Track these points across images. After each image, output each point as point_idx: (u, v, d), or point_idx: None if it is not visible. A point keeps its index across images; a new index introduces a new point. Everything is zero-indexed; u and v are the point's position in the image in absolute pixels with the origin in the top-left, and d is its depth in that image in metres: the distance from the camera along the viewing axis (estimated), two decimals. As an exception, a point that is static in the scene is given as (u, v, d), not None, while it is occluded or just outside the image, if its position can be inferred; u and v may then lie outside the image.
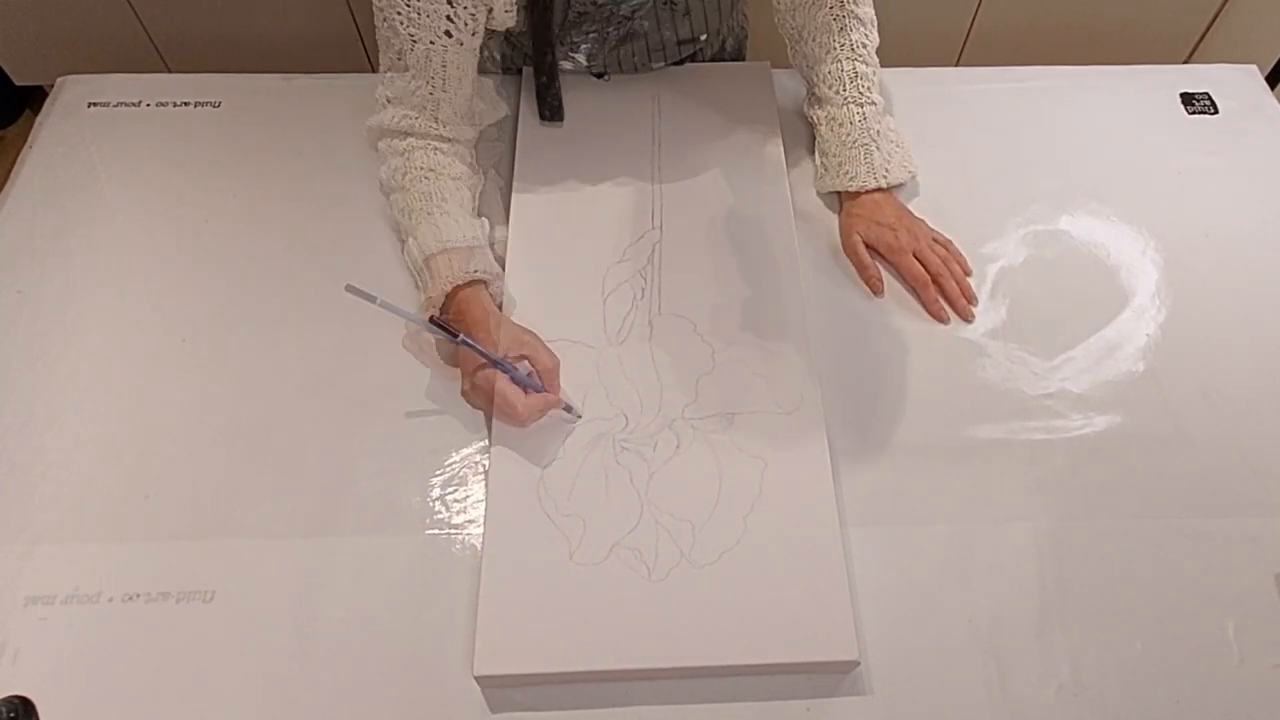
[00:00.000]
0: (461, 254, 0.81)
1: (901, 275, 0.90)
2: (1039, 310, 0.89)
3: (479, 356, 0.75)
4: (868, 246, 0.91)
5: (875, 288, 0.90)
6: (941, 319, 0.88)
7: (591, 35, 0.93)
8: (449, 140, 0.88)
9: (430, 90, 0.85)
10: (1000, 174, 1.00)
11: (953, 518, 0.76)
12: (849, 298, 0.90)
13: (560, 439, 0.77)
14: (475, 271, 0.80)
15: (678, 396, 0.80)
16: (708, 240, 0.90)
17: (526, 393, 0.75)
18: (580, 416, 0.79)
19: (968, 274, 0.91)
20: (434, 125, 0.86)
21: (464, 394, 0.77)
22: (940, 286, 0.88)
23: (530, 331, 0.79)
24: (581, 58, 0.95)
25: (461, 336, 0.75)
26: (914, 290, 0.89)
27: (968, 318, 0.88)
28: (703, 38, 0.96)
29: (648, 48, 0.95)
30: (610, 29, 0.92)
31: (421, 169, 0.86)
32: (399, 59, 0.83)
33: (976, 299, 0.90)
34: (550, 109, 0.97)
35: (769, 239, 0.91)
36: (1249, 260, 0.93)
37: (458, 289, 0.80)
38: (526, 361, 0.77)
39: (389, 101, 0.87)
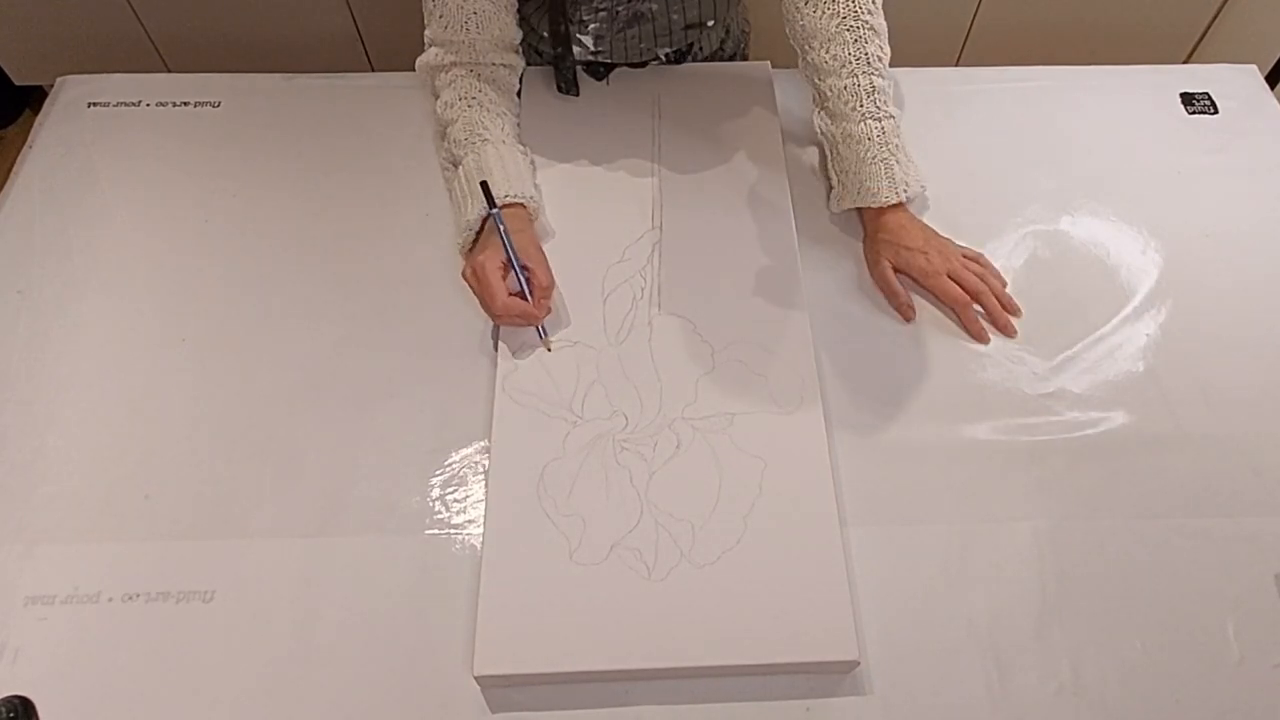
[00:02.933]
0: (498, 181, 0.85)
1: (939, 299, 0.88)
2: (1039, 310, 0.89)
3: (483, 242, 0.82)
4: (897, 272, 0.89)
5: (907, 315, 0.87)
6: (983, 339, 0.86)
7: (601, 14, 0.93)
8: (492, 65, 0.92)
9: (465, 34, 0.89)
10: (1000, 174, 1.00)
11: (953, 518, 0.76)
12: (849, 298, 0.90)
13: (560, 439, 0.77)
14: (510, 195, 0.85)
15: (678, 396, 0.80)
16: (708, 240, 0.90)
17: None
18: (550, 350, 0.82)
19: (1004, 284, 0.89)
20: (473, 56, 0.91)
21: (462, 274, 0.82)
22: (981, 304, 0.87)
23: (541, 251, 0.84)
24: (589, 40, 0.95)
25: (495, 210, 0.81)
26: (953, 312, 0.88)
27: (1010, 333, 0.87)
28: (709, 24, 0.96)
29: (654, 31, 0.95)
30: (619, 8, 0.93)
31: (464, 99, 0.91)
32: (434, 4, 0.89)
33: (1020, 310, 0.88)
34: (566, 81, 0.99)
35: (769, 239, 0.90)
36: (1249, 260, 0.93)
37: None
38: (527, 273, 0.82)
39: (431, 42, 0.92)
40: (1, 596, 0.71)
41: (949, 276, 0.87)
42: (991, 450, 0.80)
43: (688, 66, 1.05)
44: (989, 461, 0.79)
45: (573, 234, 0.90)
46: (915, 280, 0.89)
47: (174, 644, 0.69)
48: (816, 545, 0.72)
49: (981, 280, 0.88)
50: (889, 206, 0.89)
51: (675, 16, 0.94)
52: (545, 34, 0.95)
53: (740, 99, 1.03)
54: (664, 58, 1.04)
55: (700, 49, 1.06)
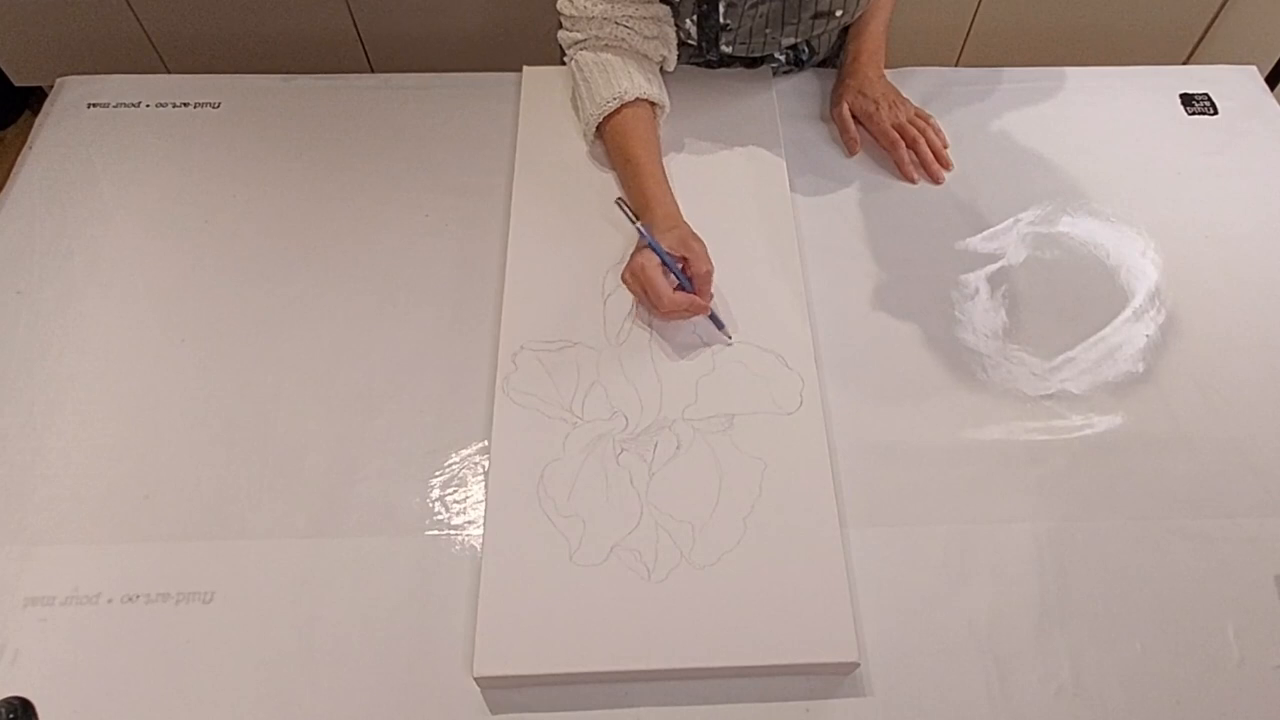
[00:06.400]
0: (612, 82, 0.90)
1: (877, 140, 1.01)
2: (1039, 311, 0.89)
3: (637, 246, 0.82)
4: (852, 116, 1.01)
5: (851, 149, 1.00)
6: (910, 178, 0.98)
7: None
8: (629, 17, 0.92)
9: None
10: (1000, 174, 1.00)
11: (953, 518, 0.76)
12: (850, 298, 0.90)
13: (560, 439, 0.77)
14: (622, 94, 0.89)
15: (678, 397, 0.80)
16: (708, 241, 0.89)
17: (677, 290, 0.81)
18: (731, 339, 0.82)
19: (945, 145, 1.00)
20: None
21: (622, 278, 0.83)
22: (915, 151, 0.98)
23: (698, 239, 0.84)
24: (722, 3, 0.94)
25: (639, 224, 0.83)
26: (888, 152, 0.99)
27: (938, 179, 0.98)
28: (838, 14, 0.97)
29: (783, 13, 0.96)
30: None
31: (595, 60, 0.94)
32: None
33: (952, 166, 0.99)
34: (708, 40, 1.00)
35: (769, 240, 0.91)
36: (1249, 260, 0.93)
37: (610, 116, 0.91)
38: (685, 263, 0.82)
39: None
40: (1, 597, 0.71)
41: (894, 127, 0.99)
42: (991, 451, 0.80)
43: (689, 70, 1.04)
44: (989, 462, 0.79)
45: (573, 235, 0.90)
46: (861, 124, 1.01)
47: (174, 645, 0.69)
48: (816, 546, 0.72)
49: (922, 134, 0.99)
50: (868, 61, 1.02)
51: (807, 0, 0.95)
52: None
53: (740, 99, 1.03)
54: (781, 59, 1.07)
55: (816, 50, 1.08)
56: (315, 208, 0.95)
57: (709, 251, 0.84)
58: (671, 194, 0.89)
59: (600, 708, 0.68)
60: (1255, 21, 1.75)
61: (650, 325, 0.84)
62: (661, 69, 0.98)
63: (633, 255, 0.83)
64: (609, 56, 0.93)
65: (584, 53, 0.94)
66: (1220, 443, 0.81)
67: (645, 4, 0.91)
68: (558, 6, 0.94)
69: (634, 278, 0.82)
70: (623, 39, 0.93)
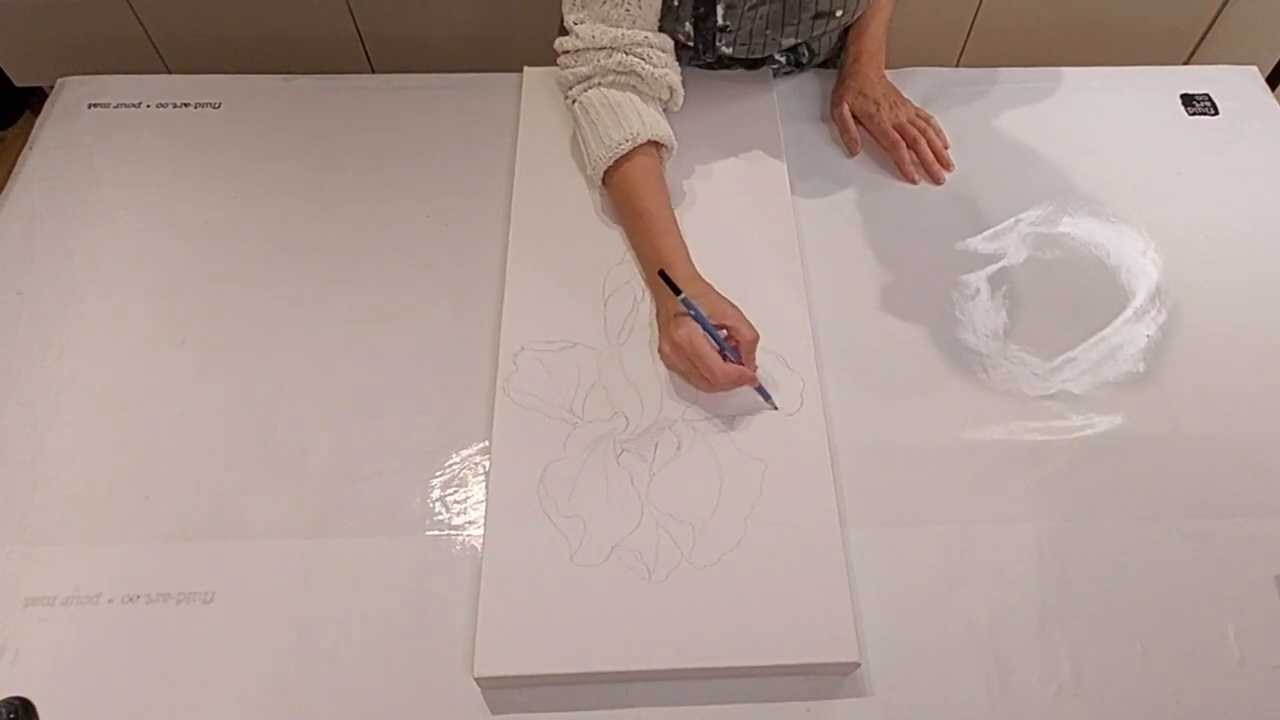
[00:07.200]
0: (622, 123, 0.86)
1: (878, 140, 1.01)
2: (1039, 311, 0.89)
3: (677, 306, 0.78)
4: (853, 116, 1.02)
5: (852, 149, 1.01)
6: (911, 179, 0.98)
7: None
8: (638, 44, 0.88)
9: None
10: (1000, 174, 1.00)
11: (953, 518, 0.76)
12: (850, 299, 0.90)
13: (561, 440, 0.77)
14: (634, 136, 0.86)
15: (678, 398, 0.80)
16: (708, 241, 0.89)
17: (725, 360, 0.77)
18: (777, 409, 0.79)
19: (945, 146, 1.00)
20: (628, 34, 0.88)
21: (661, 353, 0.80)
22: (915, 151, 0.98)
23: (732, 304, 0.81)
24: (720, 8, 0.93)
25: (684, 297, 0.78)
26: (889, 153, 1.00)
27: (939, 179, 0.98)
28: (838, 14, 0.97)
29: (784, 13, 0.95)
30: None
31: (600, 100, 0.90)
32: None
33: (953, 166, 0.99)
34: (705, 42, 0.98)
35: (769, 239, 0.91)
36: (1249, 260, 0.93)
37: (620, 162, 0.87)
38: (725, 331, 0.79)
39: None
40: (2, 597, 0.71)
41: (894, 128, 0.99)
42: (992, 451, 0.80)
43: (690, 70, 1.04)
44: (989, 462, 0.79)
45: (573, 235, 0.90)
46: (862, 124, 1.01)
47: (174, 645, 0.69)
48: (817, 547, 0.72)
49: (922, 134, 0.99)
50: (868, 62, 1.02)
51: (807, 0, 0.94)
52: None
53: (741, 100, 1.03)
54: (781, 60, 1.06)
55: (816, 52, 1.08)
56: (315, 208, 0.95)
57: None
58: (688, 251, 0.85)
59: (600, 708, 0.68)
60: (1255, 21, 1.75)
61: (651, 326, 0.84)
62: (667, 109, 0.93)
63: (666, 327, 0.80)
64: (617, 95, 0.88)
65: (589, 93, 0.90)
66: (1220, 443, 0.81)
67: (653, 31, 0.89)
68: (556, 45, 0.90)
69: (677, 351, 0.78)
70: (633, 69, 0.88)
